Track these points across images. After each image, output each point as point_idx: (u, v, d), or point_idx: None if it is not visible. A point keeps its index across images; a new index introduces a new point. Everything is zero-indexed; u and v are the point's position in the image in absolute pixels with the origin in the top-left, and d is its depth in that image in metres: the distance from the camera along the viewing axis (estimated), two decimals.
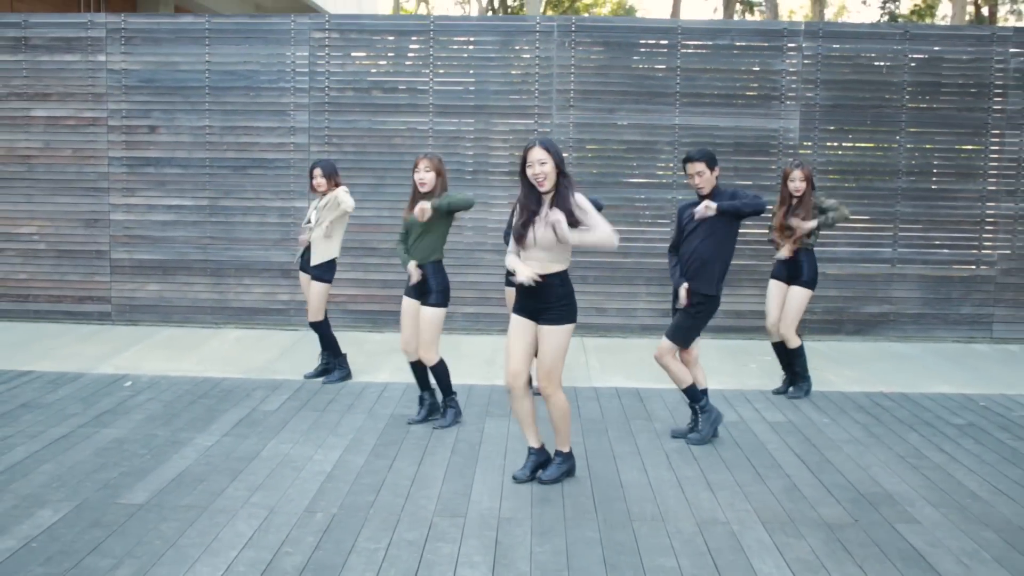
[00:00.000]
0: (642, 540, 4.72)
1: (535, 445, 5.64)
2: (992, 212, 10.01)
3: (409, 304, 6.69)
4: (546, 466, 5.63)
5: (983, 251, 10.06)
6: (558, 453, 5.65)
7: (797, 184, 7.49)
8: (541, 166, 5.20)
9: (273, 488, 5.39)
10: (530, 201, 5.30)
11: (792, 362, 7.70)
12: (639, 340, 9.76)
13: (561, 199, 5.25)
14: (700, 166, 6.33)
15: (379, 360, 8.70)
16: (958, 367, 8.92)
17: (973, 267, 10.09)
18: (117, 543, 4.54)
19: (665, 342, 6.44)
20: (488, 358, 8.90)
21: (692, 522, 4.98)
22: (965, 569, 4.43)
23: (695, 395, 6.49)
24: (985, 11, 36.39)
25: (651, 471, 5.82)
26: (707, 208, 6.21)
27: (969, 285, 10.06)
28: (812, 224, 7.44)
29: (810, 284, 7.58)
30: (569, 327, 5.40)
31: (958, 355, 9.43)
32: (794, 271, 7.57)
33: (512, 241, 5.41)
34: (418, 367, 6.81)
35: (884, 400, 7.65)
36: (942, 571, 4.40)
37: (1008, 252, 10.04)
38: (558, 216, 5.20)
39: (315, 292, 7.82)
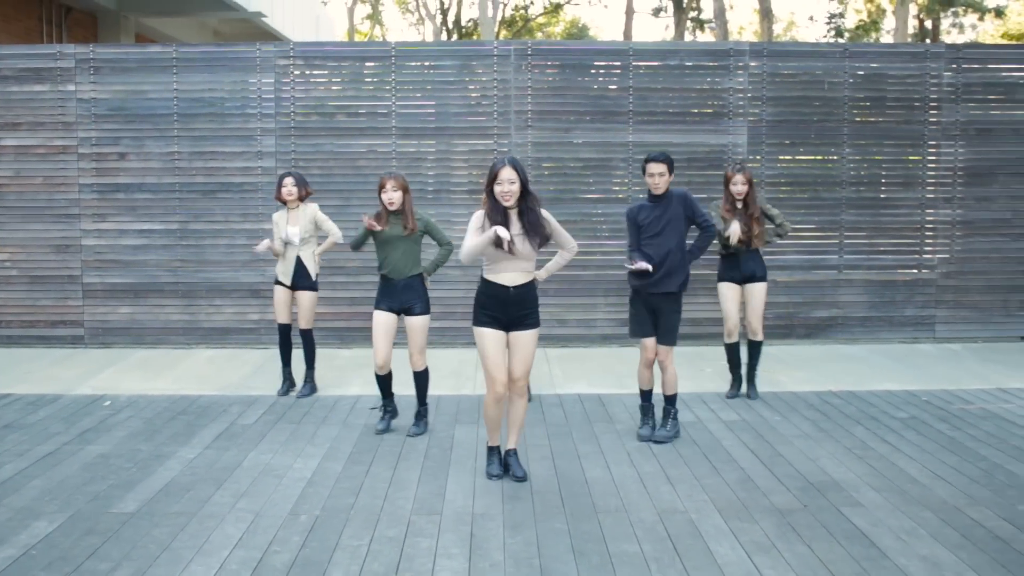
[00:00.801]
0: (607, 529, 5.07)
1: (497, 444, 6.13)
2: (931, 219, 10.50)
3: (387, 318, 6.95)
4: (504, 463, 6.09)
5: (924, 256, 10.54)
6: (514, 452, 6.04)
7: (739, 187, 7.85)
8: (511, 185, 5.64)
9: (257, 494, 5.68)
10: (496, 215, 5.70)
11: (756, 357, 8.12)
12: (599, 349, 10.13)
13: (531, 214, 5.73)
14: (662, 167, 6.67)
15: (349, 374, 8.99)
16: (903, 366, 9.36)
17: (915, 271, 10.57)
18: (113, 548, 4.82)
19: (667, 348, 6.85)
20: (454, 369, 9.23)
21: (653, 512, 5.34)
22: (904, 544, 4.83)
23: (673, 399, 6.94)
24: (928, 24, 37.37)
25: (614, 468, 6.18)
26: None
27: (912, 288, 10.54)
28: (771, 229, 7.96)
29: (765, 278, 8.06)
30: (538, 330, 5.93)
31: (903, 355, 9.89)
32: (749, 272, 7.98)
33: (473, 230, 5.77)
34: (387, 379, 7.11)
35: (833, 398, 8.07)
36: (883, 547, 4.80)
37: (947, 256, 10.53)
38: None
39: (311, 301, 8.21)
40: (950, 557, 4.68)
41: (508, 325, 5.83)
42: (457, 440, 6.85)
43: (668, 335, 6.84)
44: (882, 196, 10.52)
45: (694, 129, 10.36)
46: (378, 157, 10.28)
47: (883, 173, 10.56)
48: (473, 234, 5.72)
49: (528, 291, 5.83)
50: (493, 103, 10.32)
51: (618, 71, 10.39)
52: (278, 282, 8.25)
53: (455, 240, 7.76)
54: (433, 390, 8.26)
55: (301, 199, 8.15)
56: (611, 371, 8.95)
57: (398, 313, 6.99)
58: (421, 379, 7.13)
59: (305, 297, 8.19)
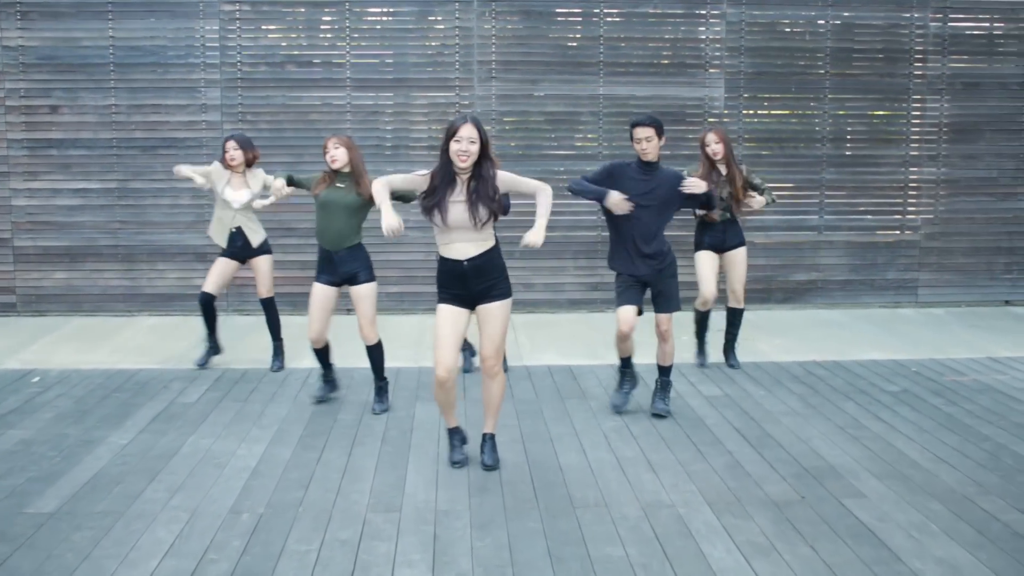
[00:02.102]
0: (587, 528, 4.54)
1: (456, 424, 5.54)
2: (915, 177, 10.06)
3: (324, 291, 6.48)
4: (466, 443, 5.59)
5: (907, 216, 10.11)
6: (491, 436, 5.50)
7: (714, 148, 7.32)
8: (470, 144, 5.00)
9: (194, 488, 5.09)
10: (444, 178, 5.09)
11: (737, 325, 7.70)
12: (568, 315, 9.59)
13: (482, 182, 5.07)
14: (649, 131, 6.10)
15: (301, 345, 8.33)
16: (887, 333, 8.92)
17: (898, 232, 10.14)
18: (24, 559, 4.20)
19: (668, 316, 6.36)
20: (416, 339, 8.66)
21: (637, 506, 4.82)
22: (916, 543, 4.34)
23: (670, 370, 6.50)
24: None
25: (590, 452, 5.65)
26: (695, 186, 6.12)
27: (894, 250, 10.10)
28: (762, 200, 7.41)
29: (744, 243, 7.61)
30: (511, 300, 5.30)
31: (886, 320, 9.46)
32: (728, 239, 7.47)
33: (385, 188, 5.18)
34: (323, 352, 6.71)
35: (818, 369, 7.60)
36: (893, 547, 4.31)
37: (931, 217, 10.09)
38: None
39: (268, 265, 7.66)
40: (968, 558, 4.19)
41: (472, 301, 5.24)
42: (418, 420, 6.29)
43: (669, 302, 6.34)
44: (864, 153, 10.04)
45: (668, 82, 9.80)
46: (332, 111, 9.62)
47: (865, 129, 10.08)
48: (403, 181, 5.22)
49: (486, 262, 5.18)
50: (455, 53, 9.70)
51: (586, 20, 9.79)
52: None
53: None
54: (391, 362, 7.64)
55: (249, 164, 7.47)
56: (582, 339, 8.41)
57: (340, 285, 6.50)
58: (375, 353, 6.60)
59: (262, 262, 7.61)
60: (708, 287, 7.52)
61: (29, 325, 9.26)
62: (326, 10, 9.66)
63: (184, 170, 7.52)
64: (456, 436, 5.53)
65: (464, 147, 4.99)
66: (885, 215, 10.11)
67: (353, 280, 6.46)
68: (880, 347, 8.36)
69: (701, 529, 4.53)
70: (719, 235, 7.48)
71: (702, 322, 7.72)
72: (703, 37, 9.78)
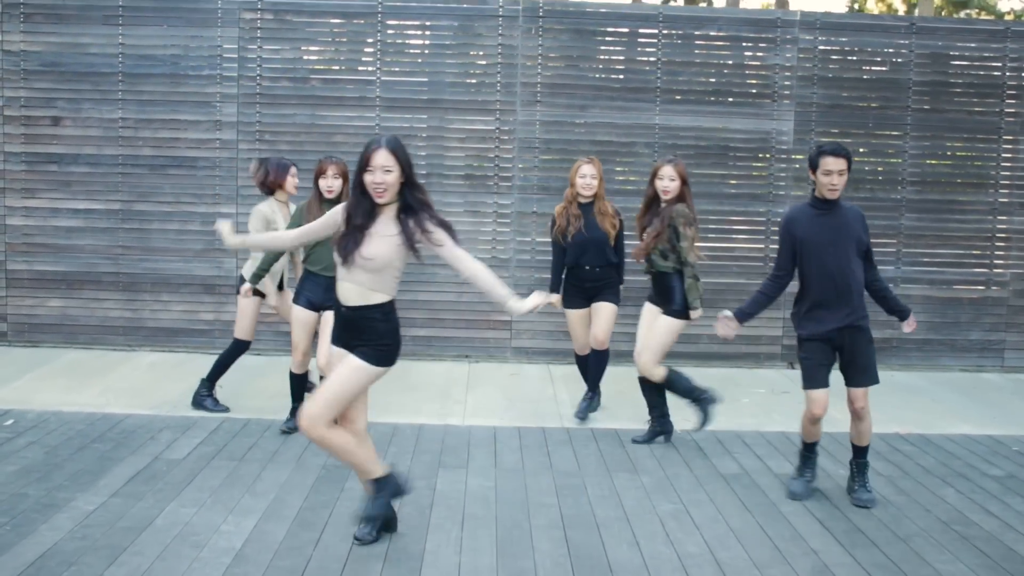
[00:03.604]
0: None
1: (383, 473, 4.67)
2: (1004, 227, 9.07)
3: (307, 315, 6.27)
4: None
5: (994, 270, 9.11)
6: (376, 482, 4.64)
7: (666, 183, 6.28)
8: (385, 174, 4.23)
9: (162, 573, 4.15)
10: (358, 212, 4.30)
11: (653, 400, 6.59)
12: (613, 368, 8.56)
13: (413, 216, 4.32)
14: (842, 163, 5.25)
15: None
16: (973, 401, 7.90)
17: (983, 288, 9.13)
18: None
19: (864, 390, 5.45)
20: (443, 390, 7.72)
21: None
22: None
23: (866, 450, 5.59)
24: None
25: (645, 545, 4.67)
26: None
27: (979, 308, 9.09)
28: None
29: (680, 314, 6.44)
30: (380, 371, 4.43)
31: (969, 387, 8.42)
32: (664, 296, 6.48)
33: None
34: (302, 380, 6.51)
35: (902, 444, 6.58)
36: None
37: (1021, 271, 9.09)
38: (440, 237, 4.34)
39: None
40: None
41: (350, 348, 4.46)
42: (440, 493, 5.33)
43: (865, 374, 5.42)
44: (948, 198, 9.08)
45: (732, 112, 8.90)
46: (359, 132, 8.77)
47: (950, 171, 9.15)
48: (319, 222, 4.52)
49: (362, 317, 4.39)
50: (497, 73, 8.87)
51: (644, 40, 8.93)
52: (256, 292, 6.82)
53: None
54: (414, 417, 6.82)
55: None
56: (630, 398, 7.39)
57: (318, 309, 6.22)
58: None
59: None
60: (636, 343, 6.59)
61: (18, 357, 8.42)
62: (356, 22, 8.85)
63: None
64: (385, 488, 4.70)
65: (378, 178, 4.24)
66: (969, 268, 9.13)
67: (328, 307, 5.84)
68: (970, 419, 7.32)
69: None
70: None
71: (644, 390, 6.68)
72: (772, 64, 8.87)
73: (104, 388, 7.46)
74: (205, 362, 7.69)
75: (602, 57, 8.98)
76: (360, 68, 8.90)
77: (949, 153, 9.09)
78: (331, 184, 6.11)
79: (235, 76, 8.75)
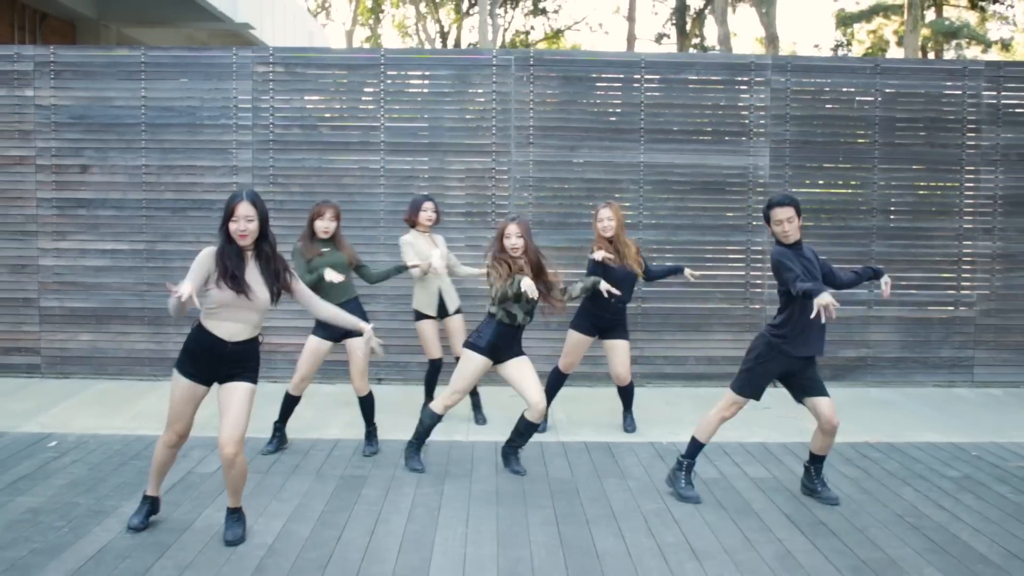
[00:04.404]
0: None
1: (155, 495, 5.39)
2: (969, 251, 9.63)
3: (320, 344, 6.81)
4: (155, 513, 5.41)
5: (961, 291, 9.67)
6: (236, 510, 5.24)
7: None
8: (248, 223, 4.88)
9: (205, 566, 4.75)
10: (229, 257, 4.89)
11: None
12: (606, 390, 9.17)
13: (268, 260, 4.99)
14: (790, 211, 5.66)
15: (328, 414, 8.07)
16: (942, 413, 8.47)
17: (952, 308, 9.68)
18: None
19: (831, 401, 5.87)
20: (451, 411, 8.28)
21: None
22: None
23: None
24: (932, 56, 36.77)
25: (629, 537, 5.26)
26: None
27: (948, 327, 9.65)
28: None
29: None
30: (255, 388, 5.13)
31: (940, 400, 8.99)
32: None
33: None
34: (294, 402, 7.00)
35: (871, 451, 7.16)
36: None
37: (987, 292, 9.65)
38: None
39: (463, 323, 7.84)
40: None
41: (217, 379, 5.06)
42: (447, 497, 5.93)
43: (824, 388, 5.86)
44: (915, 225, 9.64)
45: (711, 150, 9.49)
46: (365, 175, 9.39)
47: (916, 200, 9.68)
48: (188, 279, 4.71)
49: (249, 348, 5.05)
50: (492, 118, 9.46)
51: (627, 85, 9.53)
52: (421, 315, 7.68)
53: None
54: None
55: (433, 225, 7.70)
56: (620, 415, 7.99)
57: (337, 340, 6.81)
58: (368, 403, 6.99)
59: (458, 321, 7.76)
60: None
61: (52, 388, 9.01)
62: (362, 73, 9.48)
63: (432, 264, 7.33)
64: (147, 504, 5.37)
65: (241, 226, 4.87)
66: (938, 290, 9.67)
67: (349, 334, 6.59)
68: (936, 429, 7.90)
69: None
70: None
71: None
72: (747, 104, 9.49)
73: (135, 414, 8.05)
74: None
75: (589, 101, 9.53)
76: (365, 115, 9.47)
77: (915, 183, 9.62)
78: (327, 225, 6.75)
79: (249, 124, 9.37)
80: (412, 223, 7.59)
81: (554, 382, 7.65)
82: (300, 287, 5.17)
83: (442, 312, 7.64)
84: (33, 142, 9.35)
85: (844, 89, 9.59)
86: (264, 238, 4.97)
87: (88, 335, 9.46)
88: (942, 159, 9.60)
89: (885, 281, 5.94)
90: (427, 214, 7.53)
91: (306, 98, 9.54)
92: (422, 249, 7.44)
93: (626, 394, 7.70)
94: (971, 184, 9.61)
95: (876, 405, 8.73)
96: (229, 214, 4.86)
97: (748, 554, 5.02)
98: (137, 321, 9.40)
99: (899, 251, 9.58)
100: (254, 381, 5.08)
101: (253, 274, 4.94)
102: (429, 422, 6.54)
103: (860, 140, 9.55)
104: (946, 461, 6.91)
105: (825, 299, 5.18)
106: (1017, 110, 9.62)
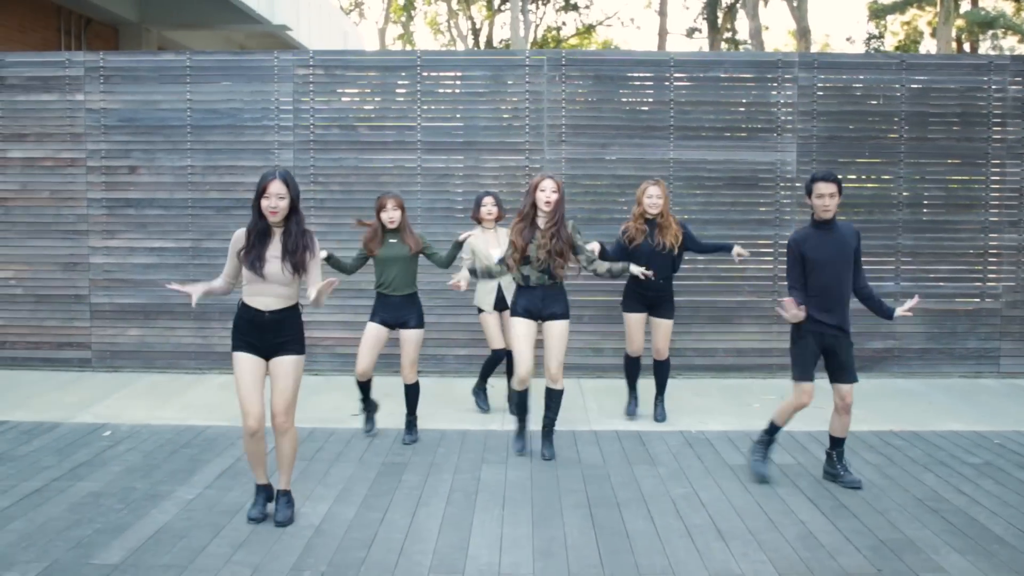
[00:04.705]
0: None
1: (265, 482, 5.57)
2: (995, 243, 9.77)
3: (378, 331, 7.13)
4: (270, 501, 5.58)
5: (987, 283, 9.81)
6: (286, 493, 5.51)
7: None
8: (279, 200, 5.18)
9: (257, 545, 5.06)
10: (255, 234, 5.25)
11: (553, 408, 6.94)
12: (640, 381, 9.42)
13: (291, 237, 5.23)
14: (832, 187, 6.00)
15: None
16: (967, 403, 8.64)
17: (978, 300, 9.83)
18: None
19: (851, 387, 6.17)
20: (491, 402, 8.57)
21: (705, 575, 4.66)
22: None
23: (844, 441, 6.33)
24: (967, 47, 36.59)
25: (658, 519, 5.51)
26: None
27: (974, 318, 9.81)
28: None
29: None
30: (303, 359, 5.43)
31: (966, 391, 9.16)
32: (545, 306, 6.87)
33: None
34: (367, 384, 7.23)
35: (895, 439, 7.36)
36: None
37: (1012, 284, 9.79)
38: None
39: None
40: None
41: (266, 353, 5.33)
42: (484, 482, 6.21)
43: (851, 373, 6.14)
44: (942, 219, 9.80)
45: (739, 146, 9.71)
46: (403, 173, 9.69)
47: (943, 194, 9.85)
48: (229, 260, 5.40)
49: (286, 316, 5.32)
50: (525, 117, 9.73)
51: (657, 83, 9.78)
52: (481, 310, 8.04)
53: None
54: (459, 424, 7.71)
55: (497, 220, 7.90)
56: (651, 406, 8.23)
57: (392, 327, 7.17)
58: (413, 392, 7.28)
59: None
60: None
61: (103, 380, 9.38)
62: (398, 74, 9.78)
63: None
64: (262, 494, 5.53)
65: (273, 203, 5.17)
66: (964, 282, 9.82)
67: (405, 324, 7.13)
68: (960, 418, 8.08)
69: None
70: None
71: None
72: (775, 101, 9.69)
73: (183, 405, 8.39)
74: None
75: (620, 99, 9.77)
76: (401, 115, 9.77)
77: (940, 177, 9.80)
78: (391, 215, 7.05)
79: (291, 125, 9.69)
80: (476, 219, 7.88)
81: (630, 369, 7.96)
82: (313, 270, 5.33)
83: (501, 306, 7.85)
84: (84, 144, 9.72)
85: (871, 85, 9.76)
86: (294, 214, 5.25)
87: (136, 330, 9.83)
88: (968, 153, 9.76)
89: (902, 309, 6.17)
90: (487, 208, 7.77)
91: (345, 99, 9.86)
92: (480, 248, 7.70)
93: (661, 372, 7.92)
94: (997, 177, 9.75)
95: (902, 395, 8.91)
96: (261, 192, 5.19)
97: (771, 534, 5.26)
98: (183, 316, 9.74)
99: (926, 244, 9.74)
100: (300, 352, 5.38)
101: (275, 250, 5.23)
102: (517, 399, 6.97)
103: (887, 135, 9.72)
104: (968, 448, 7.10)
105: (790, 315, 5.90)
106: None
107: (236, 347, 5.36)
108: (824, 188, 6.01)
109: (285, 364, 5.33)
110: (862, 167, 9.83)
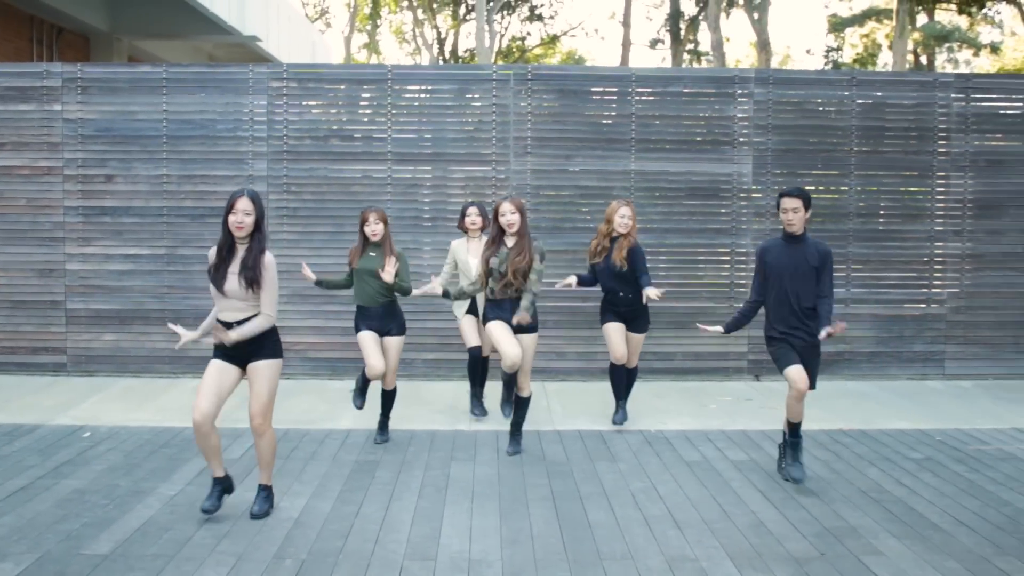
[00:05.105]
0: None
1: (221, 475, 5.76)
2: (940, 252, 10.23)
3: (372, 334, 7.33)
4: (231, 492, 5.86)
5: (933, 290, 10.26)
6: (266, 488, 5.82)
7: (509, 218, 6.85)
8: (246, 216, 5.44)
9: (240, 535, 5.35)
10: (221, 250, 5.52)
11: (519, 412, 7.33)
12: (600, 384, 9.78)
13: (249, 255, 5.47)
14: (797, 202, 6.29)
15: (340, 407, 8.65)
16: (913, 403, 9.06)
17: (924, 306, 10.28)
18: None
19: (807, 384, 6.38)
20: (450, 403, 8.88)
21: (661, 559, 5.02)
22: None
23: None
24: (924, 59, 37.40)
25: (618, 511, 5.85)
26: None
27: (920, 323, 10.25)
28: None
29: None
30: (279, 362, 5.71)
31: (912, 392, 9.59)
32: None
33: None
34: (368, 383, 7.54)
35: (843, 437, 7.76)
36: None
37: (956, 290, 10.25)
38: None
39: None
40: None
41: (241, 360, 5.64)
42: (453, 478, 6.52)
43: (812, 379, 6.46)
44: (890, 228, 10.25)
45: (697, 158, 10.10)
46: (373, 183, 9.99)
47: (891, 204, 10.29)
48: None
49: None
50: (491, 129, 10.06)
51: (619, 98, 10.15)
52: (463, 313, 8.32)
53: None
54: (428, 425, 8.01)
55: (481, 230, 8.15)
56: (612, 407, 8.59)
57: (380, 333, 7.39)
58: (391, 396, 7.56)
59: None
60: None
61: (79, 384, 9.59)
62: (368, 87, 10.08)
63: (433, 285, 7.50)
64: (217, 486, 5.74)
65: (239, 219, 5.43)
66: (911, 288, 10.26)
67: (387, 333, 7.37)
68: (906, 417, 8.49)
69: None
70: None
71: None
72: (732, 115, 10.09)
73: (159, 408, 8.63)
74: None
75: (583, 113, 10.11)
76: (372, 126, 10.06)
77: (889, 189, 10.24)
78: (374, 228, 7.26)
79: (264, 136, 9.96)
80: (462, 228, 8.19)
81: (616, 378, 8.12)
82: (266, 287, 5.50)
83: (473, 311, 8.22)
84: (61, 154, 9.94)
85: (822, 100, 10.20)
86: (257, 232, 5.51)
87: (111, 335, 10.04)
88: (915, 166, 10.21)
89: (824, 332, 6.25)
90: (471, 219, 8.07)
91: (317, 111, 10.14)
92: (462, 256, 8.13)
93: (627, 377, 8.17)
94: (942, 189, 10.21)
95: (852, 396, 9.33)
96: (229, 208, 5.46)
97: (724, 524, 5.63)
98: (158, 322, 9.96)
99: (874, 252, 10.17)
100: (274, 356, 5.66)
101: (235, 267, 5.49)
102: (507, 379, 7.30)
103: (838, 148, 10.15)
104: (911, 445, 7.51)
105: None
106: (984, 119, 10.22)
107: (214, 355, 5.66)
108: (788, 203, 6.32)
109: (259, 369, 5.61)
110: (815, 179, 10.24)
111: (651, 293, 7.51)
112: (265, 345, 5.61)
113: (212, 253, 5.59)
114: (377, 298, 7.31)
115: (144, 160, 9.96)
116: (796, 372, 6.31)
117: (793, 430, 6.49)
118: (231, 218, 5.43)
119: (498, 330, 6.96)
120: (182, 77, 9.99)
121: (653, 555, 5.08)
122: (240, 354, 5.59)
